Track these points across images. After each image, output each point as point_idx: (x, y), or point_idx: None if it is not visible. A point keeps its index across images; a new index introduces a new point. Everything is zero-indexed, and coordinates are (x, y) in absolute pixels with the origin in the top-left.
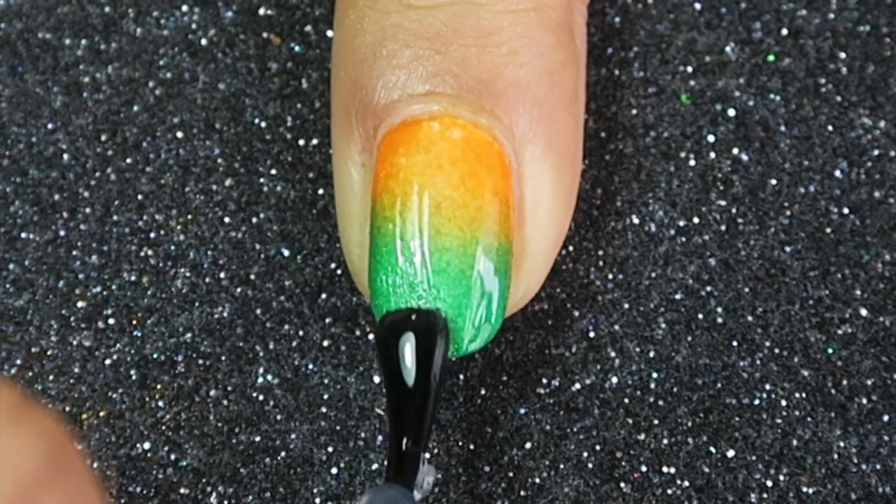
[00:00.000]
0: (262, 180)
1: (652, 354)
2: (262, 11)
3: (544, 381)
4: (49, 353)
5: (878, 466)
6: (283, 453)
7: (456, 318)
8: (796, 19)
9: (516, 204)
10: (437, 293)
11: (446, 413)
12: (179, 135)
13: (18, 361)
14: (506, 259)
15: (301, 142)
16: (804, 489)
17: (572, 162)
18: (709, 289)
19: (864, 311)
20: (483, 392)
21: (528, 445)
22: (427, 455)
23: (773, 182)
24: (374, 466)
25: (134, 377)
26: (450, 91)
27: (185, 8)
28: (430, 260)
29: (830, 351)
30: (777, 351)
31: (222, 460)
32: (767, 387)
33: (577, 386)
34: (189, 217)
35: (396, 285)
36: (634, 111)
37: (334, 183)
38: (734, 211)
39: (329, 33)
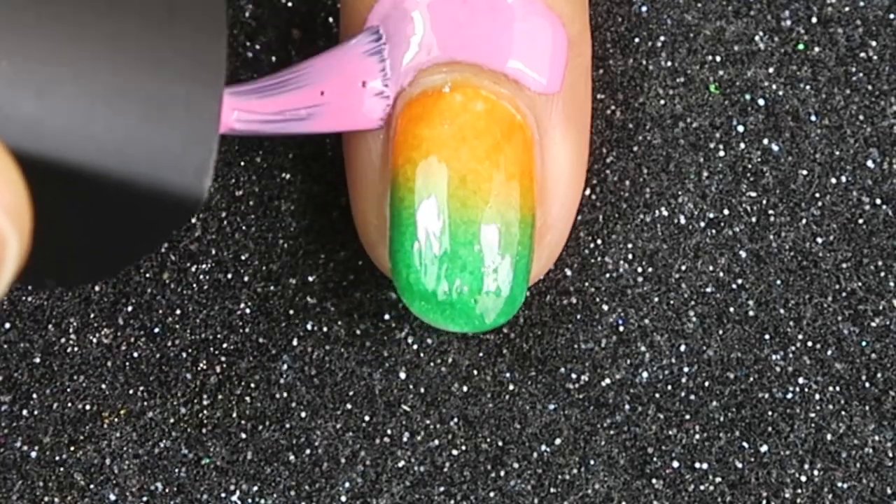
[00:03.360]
0: (284, 174)
1: (683, 348)
2: (283, 3)
3: (573, 376)
4: (69, 350)
5: None
6: (307, 451)
7: (480, 291)
8: (826, 7)
9: (539, 176)
10: (461, 265)
11: (474, 409)
12: None
13: (37, 359)
14: (529, 232)
15: None
16: (839, 484)
17: (586, 133)
18: (740, 281)
19: None
20: (511, 388)
21: (557, 441)
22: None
23: (804, 172)
24: (401, 464)
25: (155, 375)
26: (472, 60)
27: None
28: (455, 232)
29: (864, 343)
30: (810, 344)
31: (245, 458)
32: (801, 380)
33: (607, 381)
34: (210, 212)
35: (421, 257)
36: (662, 101)
37: (346, 153)
38: (765, 202)
39: None
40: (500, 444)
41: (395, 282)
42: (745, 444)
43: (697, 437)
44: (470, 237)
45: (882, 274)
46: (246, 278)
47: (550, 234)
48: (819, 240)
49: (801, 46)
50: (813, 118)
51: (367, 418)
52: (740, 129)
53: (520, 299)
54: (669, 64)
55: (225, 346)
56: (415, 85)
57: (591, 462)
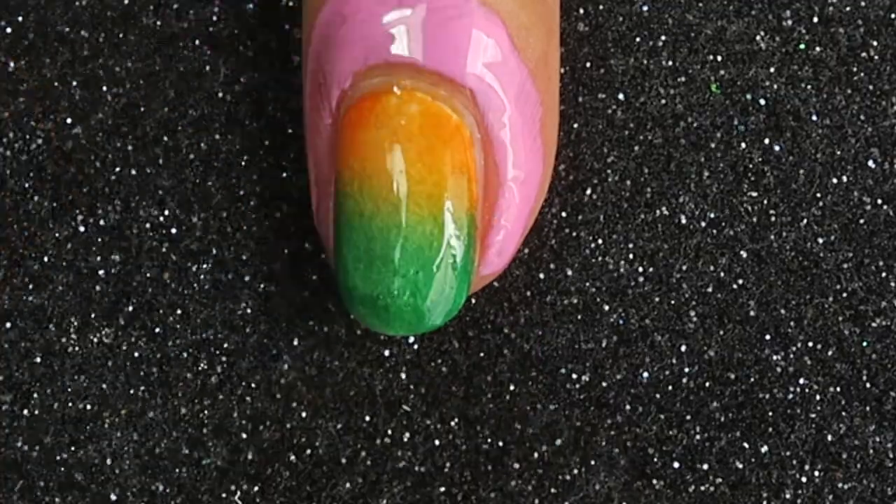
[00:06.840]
0: (284, 174)
1: (683, 349)
2: (284, 3)
3: (574, 376)
4: (69, 350)
5: None
6: (308, 451)
7: (416, 293)
8: (827, 7)
9: (480, 176)
10: (393, 269)
11: (475, 409)
12: (200, 129)
13: (38, 359)
14: (467, 233)
15: None
16: (839, 485)
17: (548, 131)
18: (740, 282)
19: None
20: (512, 388)
21: (558, 442)
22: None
23: (805, 172)
24: (402, 464)
25: (155, 375)
26: (408, 61)
27: None
28: (388, 236)
29: (865, 344)
30: (811, 345)
31: (246, 459)
32: (801, 381)
33: (608, 381)
34: (211, 212)
35: (358, 261)
36: (663, 101)
37: (307, 152)
38: (766, 202)
39: None
40: (501, 444)
41: (337, 287)
42: (746, 445)
43: (698, 437)
44: (402, 240)
45: (883, 274)
46: (246, 278)
47: (495, 234)
48: (820, 240)
49: (802, 46)
50: (814, 118)
51: (367, 418)
52: (741, 128)
53: (459, 300)
54: (670, 63)
55: (226, 345)
56: (355, 89)
57: (592, 462)
